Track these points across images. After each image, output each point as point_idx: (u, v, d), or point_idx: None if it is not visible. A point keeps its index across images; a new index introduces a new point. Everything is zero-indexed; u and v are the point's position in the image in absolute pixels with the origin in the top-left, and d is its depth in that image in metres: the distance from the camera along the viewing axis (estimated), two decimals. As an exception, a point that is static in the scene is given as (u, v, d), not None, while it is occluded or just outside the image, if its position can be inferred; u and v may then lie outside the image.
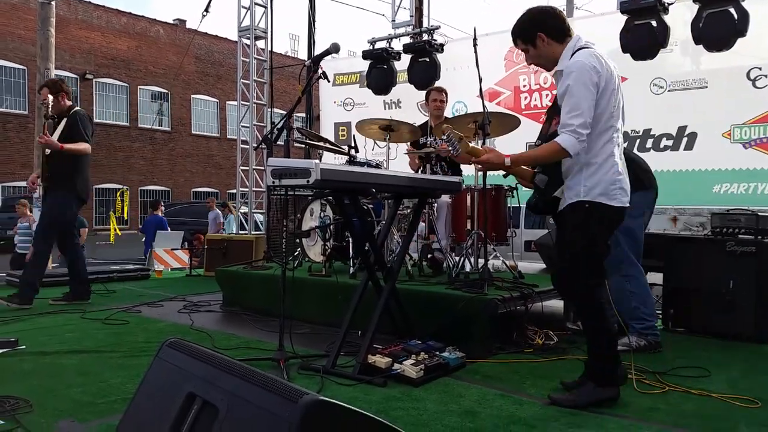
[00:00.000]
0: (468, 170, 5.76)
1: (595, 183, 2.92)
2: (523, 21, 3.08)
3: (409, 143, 5.92)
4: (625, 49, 6.02)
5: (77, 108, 5.66)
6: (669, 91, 6.48)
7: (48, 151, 5.45)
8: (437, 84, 7.29)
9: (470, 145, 3.15)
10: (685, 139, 6.44)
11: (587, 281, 2.96)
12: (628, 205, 2.99)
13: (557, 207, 3.10)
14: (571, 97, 2.85)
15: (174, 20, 32.56)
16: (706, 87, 6.26)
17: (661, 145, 6.58)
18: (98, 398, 2.98)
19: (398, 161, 6.55)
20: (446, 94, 5.80)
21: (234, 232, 12.10)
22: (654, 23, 5.87)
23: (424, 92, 6.21)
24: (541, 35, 3.01)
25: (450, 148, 3.11)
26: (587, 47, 2.97)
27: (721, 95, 6.19)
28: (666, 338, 4.53)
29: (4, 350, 3.82)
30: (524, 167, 3.16)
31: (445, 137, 3.12)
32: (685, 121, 6.42)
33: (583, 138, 2.83)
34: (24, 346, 3.95)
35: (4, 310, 5.16)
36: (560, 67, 2.99)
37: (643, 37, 5.91)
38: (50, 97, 5.50)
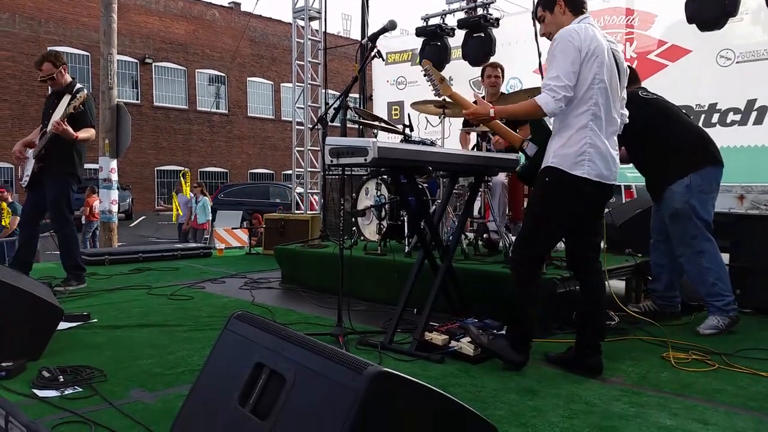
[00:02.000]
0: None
1: (564, 152, 2.94)
2: None
3: (462, 124, 5.83)
4: (690, 20, 5.77)
5: (80, 86, 5.22)
6: (737, 63, 6.19)
7: (51, 130, 5.02)
8: (492, 60, 7.18)
9: (452, 89, 3.20)
10: (754, 113, 6.14)
11: (521, 255, 3.10)
12: (597, 180, 2.93)
13: None
14: (552, 61, 2.93)
15: (229, 3, 33.03)
16: (778, 57, 5.95)
17: (728, 120, 6.30)
18: (166, 369, 3.11)
19: (452, 140, 6.49)
20: (502, 69, 5.67)
21: (209, 218, 11.81)
22: (723, -9, 5.59)
23: (476, 69, 6.11)
24: (560, 2, 3.06)
25: (431, 88, 3.18)
26: (584, 23, 3.01)
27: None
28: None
29: (78, 323, 4.02)
30: (515, 134, 3.32)
31: (424, 74, 3.18)
32: (755, 94, 6.11)
33: (559, 97, 2.85)
34: (96, 320, 4.15)
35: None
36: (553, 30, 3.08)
37: (711, 7, 5.64)
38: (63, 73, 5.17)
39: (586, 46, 2.88)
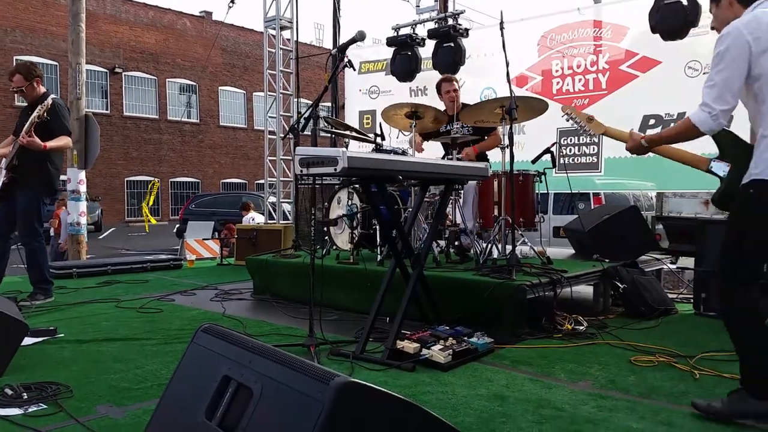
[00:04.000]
0: (494, 157, 5.73)
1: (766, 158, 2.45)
2: None
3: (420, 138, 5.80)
4: (654, 30, 5.90)
5: (53, 96, 5.13)
6: (704, 73, 6.33)
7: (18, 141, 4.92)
8: (467, 71, 7.26)
9: (604, 126, 2.98)
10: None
11: (730, 281, 2.55)
12: None
13: None
14: (713, 66, 2.51)
15: (200, 12, 32.86)
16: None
17: (695, 129, 6.44)
18: (135, 384, 3.07)
19: (424, 149, 6.53)
20: (457, 81, 5.73)
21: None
22: (684, 1, 5.73)
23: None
24: None
25: (581, 130, 3.04)
26: (758, 9, 2.51)
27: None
28: (698, 322, 4.49)
29: (45, 338, 3.94)
30: (697, 156, 2.89)
31: (567, 119, 3.05)
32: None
33: (715, 113, 2.46)
34: (62, 335, 4.07)
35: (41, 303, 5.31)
36: (721, 26, 2.63)
37: (672, 16, 5.78)
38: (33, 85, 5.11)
39: (760, 42, 2.40)
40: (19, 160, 5.02)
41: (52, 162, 5.19)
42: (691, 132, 2.60)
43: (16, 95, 5.21)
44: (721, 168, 2.85)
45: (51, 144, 5.01)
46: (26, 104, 5.25)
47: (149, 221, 12.73)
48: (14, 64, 25.20)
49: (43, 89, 5.23)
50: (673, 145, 3.01)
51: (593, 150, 7.02)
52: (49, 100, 4.99)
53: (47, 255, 5.50)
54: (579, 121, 3.08)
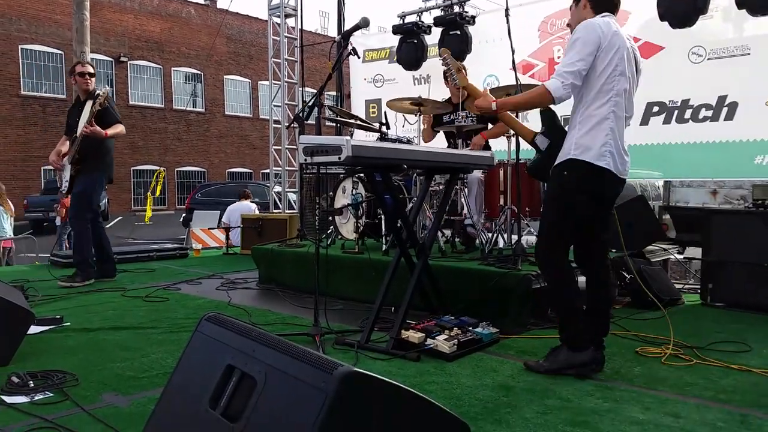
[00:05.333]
0: (500, 145, 5.69)
1: (586, 142, 2.89)
2: None
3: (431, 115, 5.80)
4: (663, 17, 5.84)
5: (99, 89, 5.60)
6: (708, 59, 6.28)
7: (80, 134, 5.42)
8: (469, 57, 7.20)
9: (468, 80, 3.24)
10: (725, 109, 6.23)
11: (546, 258, 3.05)
12: (614, 171, 2.90)
13: None
14: (568, 49, 2.92)
15: (205, 1, 32.71)
16: (749, 54, 6.04)
17: (700, 116, 6.38)
18: (140, 372, 3.07)
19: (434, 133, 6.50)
20: (464, 69, 5.65)
21: (7, 234, 9.81)
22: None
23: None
24: None
25: (449, 77, 3.26)
26: (607, 18, 2.98)
27: (765, 62, 5.97)
28: (705, 313, 4.47)
29: (51, 327, 3.96)
30: (525, 128, 3.32)
31: (442, 62, 3.22)
32: (725, 90, 6.21)
33: (567, 83, 2.84)
34: (68, 323, 4.08)
35: (47, 289, 5.33)
36: (575, 21, 3.06)
37: (682, 4, 5.72)
38: (92, 81, 5.67)
39: (607, 39, 2.86)
40: (80, 154, 5.50)
41: (108, 151, 5.69)
42: (544, 98, 2.92)
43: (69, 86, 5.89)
44: (543, 142, 3.23)
45: (110, 132, 5.50)
46: (74, 102, 5.84)
47: (149, 212, 12.77)
48: (18, 52, 25.29)
49: (93, 85, 5.73)
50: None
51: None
52: (104, 90, 5.55)
53: (91, 240, 5.79)
54: (451, 68, 3.27)
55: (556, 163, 3.01)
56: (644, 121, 6.58)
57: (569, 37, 2.99)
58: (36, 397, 2.67)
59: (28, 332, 3.34)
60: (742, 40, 6.10)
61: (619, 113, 2.93)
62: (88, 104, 5.48)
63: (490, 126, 5.64)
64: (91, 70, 5.77)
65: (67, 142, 5.68)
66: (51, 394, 2.71)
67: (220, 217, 12.50)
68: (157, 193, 12.48)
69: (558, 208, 3.04)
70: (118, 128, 5.60)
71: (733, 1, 5.54)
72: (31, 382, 2.77)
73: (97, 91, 5.49)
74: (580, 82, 2.88)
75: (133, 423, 2.38)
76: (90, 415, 2.48)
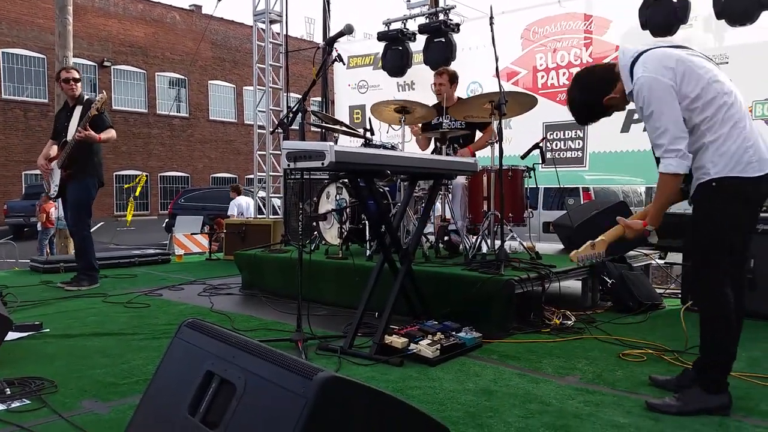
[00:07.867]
0: (484, 152, 5.73)
1: (724, 156, 2.53)
2: None
3: (419, 124, 5.82)
4: (644, 26, 5.92)
5: (86, 95, 5.71)
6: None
7: (72, 138, 5.45)
8: (453, 65, 7.23)
9: (605, 244, 2.90)
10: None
11: (709, 281, 2.62)
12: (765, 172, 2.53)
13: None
14: (650, 118, 2.59)
15: (190, 6, 32.59)
16: (727, 63, 6.13)
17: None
18: (120, 379, 3.04)
19: (413, 144, 6.51)
20: (449, 75, 5.64)
21: None
22: (674, -1, 5.76)
23: (437, 73, 6.13)
24: None
25: (598, 260, 2.97)
26: (643, 52, 2.67)
27: (743, 71, 6.06)
28: (685, 317, 4.51)
29: (30, 333, 3.90)
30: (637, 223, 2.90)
31: (581, 265, 3.03)
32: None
33: (682, 152, 2.52)
34: (48, 330, 4.03)
35: (27, 294, 5.26)
36: (628, 90, 2.72)
37: (662, 13, 5.81)
38: (78, 86, 5.69)
39: (680, 68, 2.57)
40: (70, 158, 5.51)
41: (98, 155, 5.70)
42: (673, 182, 2.61)
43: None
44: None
45: (104, 136, 5.56)
46: (62, 106, 5.89)
47: (130, 215, 12.67)
48: (0, 56, 25.00)
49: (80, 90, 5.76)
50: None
51: (578, 144, 7.04)
52: (102, 95, 5.60)
53: (93, 243, 5.83)
54: (591, 257, 2.94)
55: (697, 183, 2.65)
56: (625, 128, 6.65)
57: (636, 98, 2.64)
58: (12, 405, 2.62)
59: (6, 338, 3.30)
60: (722, 49, 6.20)
61: (740, 111, 2.60)
62: (78, 109, 5.55)
63: (478, 133, 5.69)
64: (76, 75, 5.75)
65: (55, 147, 5.68)
66: (28, 402, 2.67)
67: (204, 223, 12.44)
68: (137, 193, 12.34)
69: (710, 228, 2.65)
70: (111, 133, 5.66)
71: (713, 11, 5.64)
72: (7, 389, 2.73)
73: (96, 96, 5.55)
74: (686, 134, 2.55)
75: (113, 430, 2.35)
76: (68, 423, 2.44)
